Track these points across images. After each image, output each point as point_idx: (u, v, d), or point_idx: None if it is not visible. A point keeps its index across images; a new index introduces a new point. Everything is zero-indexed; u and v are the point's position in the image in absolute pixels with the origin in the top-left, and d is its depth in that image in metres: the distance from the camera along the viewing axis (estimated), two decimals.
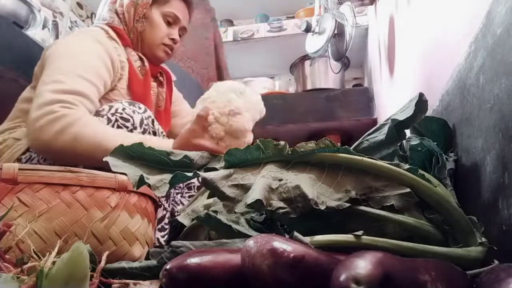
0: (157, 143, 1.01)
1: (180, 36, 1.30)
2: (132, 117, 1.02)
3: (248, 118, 1.11)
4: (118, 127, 1.00)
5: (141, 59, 1.20)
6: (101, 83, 1.06)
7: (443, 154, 0.63)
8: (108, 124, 1.00)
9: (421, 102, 0.59)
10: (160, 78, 1.30)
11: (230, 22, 2.55)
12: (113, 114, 1.01)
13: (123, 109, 1.02)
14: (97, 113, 1.02)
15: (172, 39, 1.25)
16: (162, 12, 1.23)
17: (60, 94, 0.95)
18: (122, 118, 1.01)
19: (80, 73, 1.01)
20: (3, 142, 1.04)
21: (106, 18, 1.22)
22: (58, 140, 0.92)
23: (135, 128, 1.02)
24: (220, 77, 2.01)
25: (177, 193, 1.17)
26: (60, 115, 0.93)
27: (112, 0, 1.27)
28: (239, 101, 1.10)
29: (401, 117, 0.57)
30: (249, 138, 1.13)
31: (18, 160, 1.01)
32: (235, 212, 0.48)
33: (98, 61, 1.06)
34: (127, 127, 1.01)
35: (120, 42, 1.18)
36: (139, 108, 1.05)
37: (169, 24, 1.25)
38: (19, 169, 0.62)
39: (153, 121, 1.08)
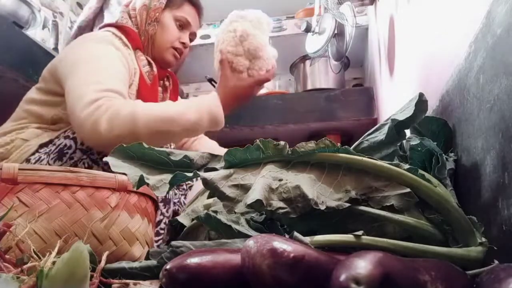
0: (200, 105, 1.03)
1: (190, 41, 1.30)
2: None
3: (259, 34, 1.14)
4: None
5: (149, 63, 1.21)
6: (126, 85, 1.07)
7: (443, 154, 0.63)
8: None
9: (421, 102, 0.59)
10: (166, 82, 1.31)
11: None
12: None
13: None
14: None
15: (183, 43, 1.26)
16: (174, 16, 1.24)
17: (101, 92, 0.96)
18: None
19: (112, 73, 1.03)
20: (10, 143, 1.04)
21: (120, 19, 1.22)
22: (116, 125, 0.91)
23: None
24: None
25: (181, 195, 1.17)
26: (108, 106, 0.93)
27: (125, 3, 1.27)
28: (243, 24, 1.14)
29: (401, 117, 0.57)
30: (272, 51, 1.17)
31: (27, 161, 1.00)
32: (235, 212, 0.48)
33: (120, 66, 1.08)
34: None
35: (131, 46, 1.18)
36: None
37: (180, 28, 1.26)
38: (19, 169, 0.62)
39: None
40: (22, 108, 1.12)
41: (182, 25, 1.26)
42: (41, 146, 1.01)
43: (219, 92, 1.11)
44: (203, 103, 1.04)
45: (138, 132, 0.92)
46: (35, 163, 1.00)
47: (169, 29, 1.23)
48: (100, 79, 0.99)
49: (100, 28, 1.26)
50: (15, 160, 1.01)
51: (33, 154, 1.01)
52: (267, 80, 1.15)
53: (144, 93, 1.17)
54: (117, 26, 1.20)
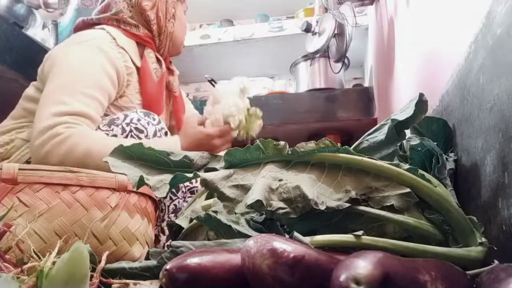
0: (164, 144, 1.02)
1: None
2: (146, 128, 1.03)
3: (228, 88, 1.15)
4: (132, 137, 1.01)
5: (158, 60, 1.20)
6: (105, 96, 1.05)
7: (443, 154, 0.63)
8: (122, 134, 1.01)
9: (421, 102, 0.59)
10: (171, 66, 1.31)
11: (230, 22, 2.55)
12: (128, 124, 1.02)
13: (138, 119, 1.03)
14: (112, 122, 1.02)
15: None
16: (183, 9, 1.27)
17: (59, 117, 0.95)
18: (136, 129, 1.02)
19: (83, 90, 1.00)
20: (10, 142, 1.03)
21: (120, 23, 1.17)
22: (68, 160, 0.90)
23: (148, 139, 1.03)
24: None
25: (181, 197, 1.17)
26: (65, 137, 0.92)
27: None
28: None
29: (401, 117, 0.57)
30: (235, 104, 1.14)
31: (28, 163, 1.00)
32: (235, 213, 0.48)
33: (101, 73, 1.05)
34: (140, 138, 1.01)
35: (131, 47, 1.15)
36: (154, 119, 1.06)
37: None
38: (19, 169, 0.63)
39: (166, 133, 1.09)
40: (21, 105, 1.11)
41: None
42: None
43: (181, 137, 1.10)
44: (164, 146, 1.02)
45: (89, 167, 0.89)
46: None
47: (184, 24, 1.26)
48: (66, 98, 0.98)
49: (98, 22, 1.19)
50: (15, 162, 1.00)
51: None
52: (222, 133, 1.11)
53: (149, 89, 1.15)
54: (122, 28, 1.16)
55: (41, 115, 0.97)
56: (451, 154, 0.67)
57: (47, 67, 1.07)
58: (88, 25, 1.20)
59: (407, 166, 0.50)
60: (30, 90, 1.12)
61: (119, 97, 1.12)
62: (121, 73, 1.10)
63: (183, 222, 0.62)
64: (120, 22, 1.17)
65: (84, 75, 1.03)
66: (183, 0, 1.28)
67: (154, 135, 1.04)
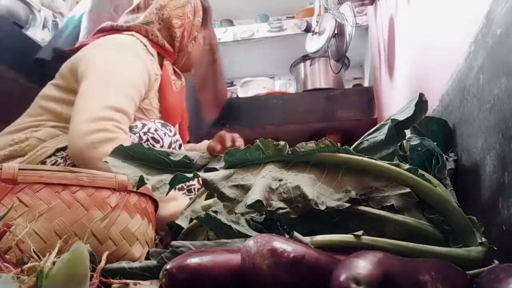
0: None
1: None
2: (162, 139, 1.05)
3: None
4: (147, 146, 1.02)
5: (175, 72, 1.25)
6: (139, 98, 1.09)
7: (443, 154, 0.63)
8: (138, 141, 1.02)
9: (421, 102, 0.59)
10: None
11: (230, 22, 2.55)
12: (145, 133, 1.04)
13: (155, 130, 1.05)
14: (130, 129, 1.03)
15: None
16: (203, 35, 1.34)
17: (111, 111, 0.96)
18: (153, 138, 1.04)
19: (124, 89, 1.03)
20: (25, 141, 1.03)
21: (150, 30, 1.20)
22: (102, 163, 0.90)
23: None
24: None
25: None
26: (114, 137, 0.93)
27: (157, 5, 1.24)
28: None
29: (401, 117, 0.57)
30: None
31: (43, 163, 1.00)
32: (235, 213, 0.48)
33: (138, 76, 1.09)
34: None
35: (155, 56, 1.19)
36: (170, 131, 1.08)
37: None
38: (19, 169, 0.62)
39: (180, 145, 1.11)
40: (38, 104, 1.10)
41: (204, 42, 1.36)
42: (58, 150, 1.01)
43: None
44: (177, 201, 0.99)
45: None
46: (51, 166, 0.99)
47: (201, 49, 1.33)
48: (112, 93, 1.00)
49: (128, 29, 1.21)
50: (30, 161, 1.00)
51: (49, 157, 1.00)
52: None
53: (169, 98, 1.20)
54: (148, 38, 1.19)
55: (89, 105, 0.97)
56: (451, 154, 0.67)
57: (82, 65, 1.07)
58: (117, 30, 1.22)
59: (407, 166, 0.50)
60: (49, 90, 1.11)
61: (142, 100, 1.14)
62: (152, 78, 1.14)
63: (183, 222, 0.62)
64: (148, 33, 1.21)
65: (125, 77, 1.06)
66: (206, 27, 1.35)
67: (169, 146, 1.06)
